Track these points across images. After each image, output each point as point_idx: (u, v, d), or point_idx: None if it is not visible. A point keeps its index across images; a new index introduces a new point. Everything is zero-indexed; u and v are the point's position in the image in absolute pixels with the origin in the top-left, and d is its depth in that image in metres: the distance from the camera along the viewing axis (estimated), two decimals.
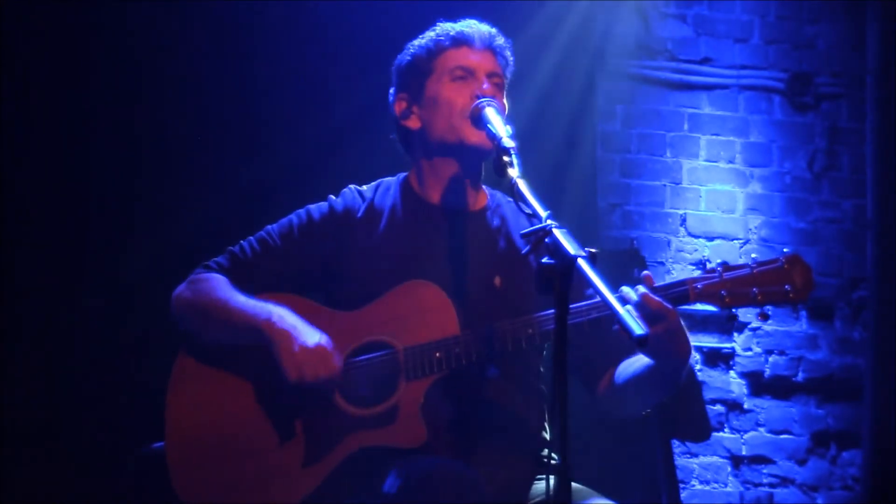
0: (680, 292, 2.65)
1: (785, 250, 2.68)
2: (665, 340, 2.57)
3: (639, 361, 2.78)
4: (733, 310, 2.65)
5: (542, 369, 2.97)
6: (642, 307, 2.53)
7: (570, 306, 2.60)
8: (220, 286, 2.90)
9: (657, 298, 2.55)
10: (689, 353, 2.64)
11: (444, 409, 2.77)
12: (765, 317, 2.64)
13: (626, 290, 2.58)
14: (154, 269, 4.02)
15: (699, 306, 2.70)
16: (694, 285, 2.65)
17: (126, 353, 4.16)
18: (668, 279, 2.70)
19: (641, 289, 2.58)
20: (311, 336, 2.75)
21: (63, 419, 4.15)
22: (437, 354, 2.74)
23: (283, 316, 2.79)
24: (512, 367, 2.84)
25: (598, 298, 2.69)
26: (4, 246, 4.18)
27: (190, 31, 4.38)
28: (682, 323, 2.61)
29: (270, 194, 4.20)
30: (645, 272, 2.65)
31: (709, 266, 2.69)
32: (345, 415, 2.77)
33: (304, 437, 2.80)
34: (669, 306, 2.56)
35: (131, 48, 4.36)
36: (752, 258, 2.69)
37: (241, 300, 2.85)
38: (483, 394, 2.82)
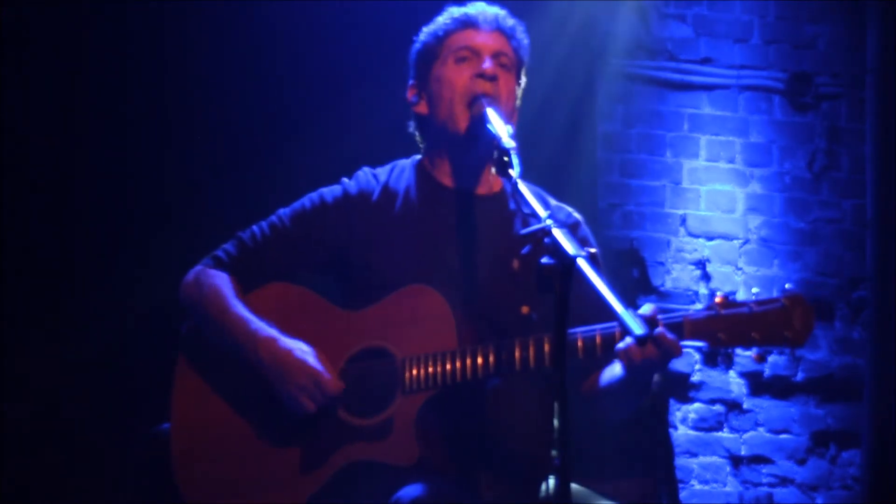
0: (674, 325, 2.56)
1: (787, 286, 2.59)
2: (653, 364, 2.54)
3: (616, 368, 2.72)
4: (729, 349, 2.58)
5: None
6: (654, 340, 2.48)
7: (575, 330, 2.59)
8: (223, 290, 2.88)
9: (671, 337, 2.49)
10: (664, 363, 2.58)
11: (439, 426, 2.71)
12: (762, 358, 2.56)
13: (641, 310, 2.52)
14: (160, 257, 4.02)
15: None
16: (689, 320, 2.57)
17: (131, 341, 4.17)
18: (668, 279, 2.67)
19: (659, 327, 2.50)
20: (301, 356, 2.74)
21: (68, 404, 4.16)
22: (435, 369, 2.68)
23: (273, 339, 2.78)
24: (514, 376, 2.76)
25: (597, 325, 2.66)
26: (9, 237, 4.19)
27: (196, 23, 4.38)
28: None
29: (279, 181, 4.18)
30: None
31: (708, 302, 2.59)
32: (341, 423, 2.75)
33: (302, 443, 2.78)
34: (678, 343, 2.52)
35: (136, 43, 4.37)
36: (754, 294, 2.59)
37: (240, 311, 2.84)
38: (482, 409, 2.77)
